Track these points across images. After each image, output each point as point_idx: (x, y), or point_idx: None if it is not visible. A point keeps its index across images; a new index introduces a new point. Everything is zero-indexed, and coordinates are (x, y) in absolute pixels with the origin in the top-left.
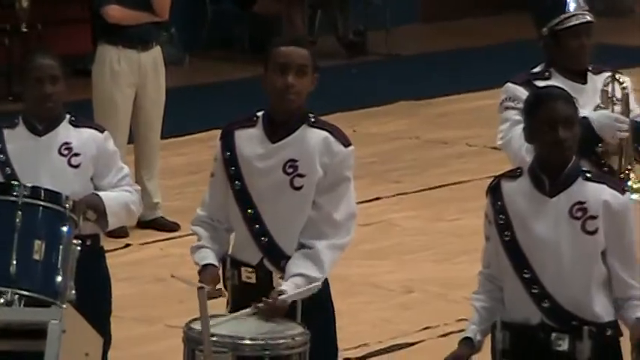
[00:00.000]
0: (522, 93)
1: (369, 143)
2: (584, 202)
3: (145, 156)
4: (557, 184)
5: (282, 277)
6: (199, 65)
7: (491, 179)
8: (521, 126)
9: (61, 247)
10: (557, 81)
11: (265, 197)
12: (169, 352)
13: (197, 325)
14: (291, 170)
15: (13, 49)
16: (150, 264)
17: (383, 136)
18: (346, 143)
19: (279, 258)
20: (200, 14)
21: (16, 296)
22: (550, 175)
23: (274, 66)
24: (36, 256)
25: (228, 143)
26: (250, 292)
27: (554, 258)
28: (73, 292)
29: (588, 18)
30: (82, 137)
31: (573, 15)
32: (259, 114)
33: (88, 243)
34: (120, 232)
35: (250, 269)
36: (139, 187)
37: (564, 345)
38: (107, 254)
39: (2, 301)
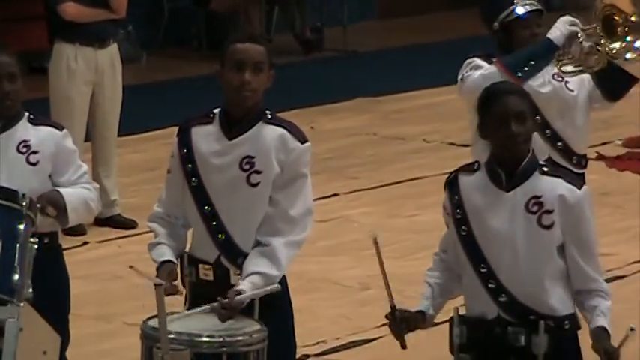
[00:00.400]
0: (482, 62)
1: (326, 139)
2: (539, 197)
3: (102, 154)
4: (513, 178)
5: (239, 275)
6: (156, 62)
7: (449, 175)
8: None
9: (18, 245)
10: None
11: (222, 194)
12: (127, 349)
13: (154, 323)
14: (247, 167)
15: None
16: (108, 261)
17: (340, 133)
18: (302, 140)
19: (236, 255)
20: (157, 12)
21: None
22: (506, 169)
23: (230, 63)
24: None
25: (184, 140)
26: (208, 290)
27: (509, 252)
28: (31, 290)
29: (537, 7)
30: (40, 135)
31: (522, 5)
32: (216, 111)
33: (46, 241)
34: (78, 230)
35: (208, 266)
36: (98, 185)
37: (521, 340)
38: (65, 252)
39: None
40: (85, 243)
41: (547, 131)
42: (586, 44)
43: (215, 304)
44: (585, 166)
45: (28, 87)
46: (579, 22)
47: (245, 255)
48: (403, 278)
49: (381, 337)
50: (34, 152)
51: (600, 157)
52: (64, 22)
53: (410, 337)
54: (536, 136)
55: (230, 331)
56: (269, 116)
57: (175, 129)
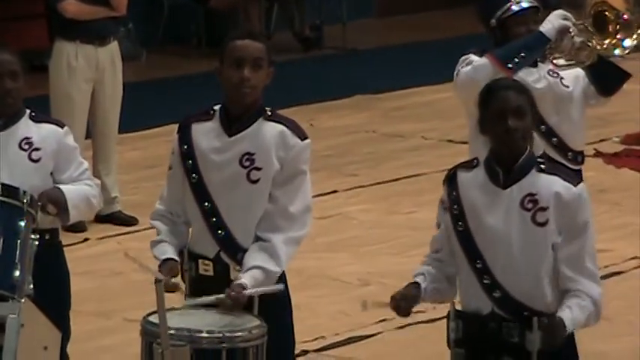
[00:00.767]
0: (476, 57)
1: (325, 137)
2: (535, 194)
3: (102, 151)
4: (510, 175)
5: (239, 270)
6: (156, 60)
7: (448, 170)
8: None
9: (18, 241)
10: None
11: (222, 190)
12: (127, 345)
13: (154, 318)
14: (247, 163)
15: None
16: (108, 258)
17: (339, 130)
18: (302, 136)
19: (235, 251)
20: (157, 9)
21: None
22: (504, 166)
23: (230, 60)
24: None
25: (185, 137)
26: (208, 285)
27: (504, 249)
28: (31, 286)
29: (534, 3)
30: (42, 132)
31: (518, 2)
32: (216, 108)
33: (47, 237)
34: (78, 227)
35: (207, 262)
36: (99, 182)
37: (515, 336)
38: (65, 248)
39: None
40: (86, 240)
41: (542, 127)
42: (577, 39)
43: (222, 295)
44: (582, 163)
45: (28, 85)
46: (572, 16)
47: (245, 251)
48: (401, 275)
49: (379, 332)
50: (37, 149)
51: (598, 154)
52: (64, 20)
53: (408, 333)
54: None
55: (230, 327)
56: (269, 113)
57: (175, 126)
